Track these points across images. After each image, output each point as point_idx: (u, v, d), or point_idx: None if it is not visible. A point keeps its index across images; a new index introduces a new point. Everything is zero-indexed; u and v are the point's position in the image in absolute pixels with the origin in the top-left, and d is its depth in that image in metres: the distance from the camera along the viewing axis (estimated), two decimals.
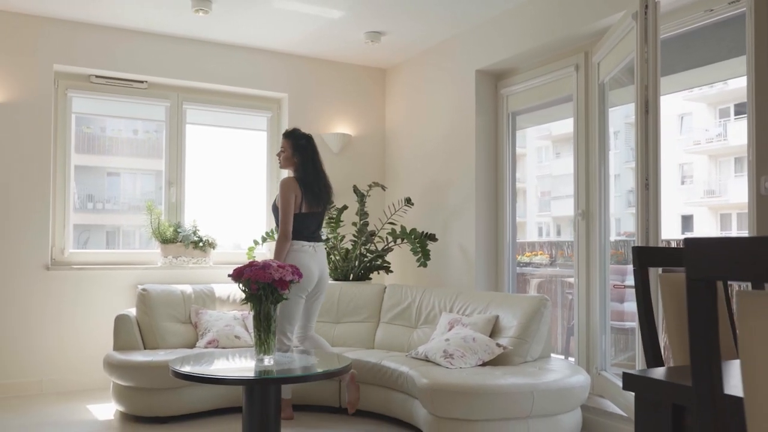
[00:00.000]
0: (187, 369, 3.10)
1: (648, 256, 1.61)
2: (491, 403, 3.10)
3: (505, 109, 4.68)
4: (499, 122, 4.73)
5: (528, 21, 4.18)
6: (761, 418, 0.88)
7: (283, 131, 4.16)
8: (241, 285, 3.19)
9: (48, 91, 4.60)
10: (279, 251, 3.80)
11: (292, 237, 3.84)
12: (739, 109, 19.47)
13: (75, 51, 4.66)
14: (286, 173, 4.14)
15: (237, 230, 5.48)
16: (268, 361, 3.19)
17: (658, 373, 1.32)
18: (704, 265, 0.84)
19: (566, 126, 4.19)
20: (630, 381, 1.25)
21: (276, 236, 3.93)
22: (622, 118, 4.76)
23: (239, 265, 3.23)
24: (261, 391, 3.15)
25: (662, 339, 1.85)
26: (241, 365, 3.37)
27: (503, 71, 4.65)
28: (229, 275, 3.25)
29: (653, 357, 1.54)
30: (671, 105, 19.87)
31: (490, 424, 3.13)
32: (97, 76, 4.84)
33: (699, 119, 20.35)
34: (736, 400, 0.96)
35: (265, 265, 3.13)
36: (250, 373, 3.14)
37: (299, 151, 3.95)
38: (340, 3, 4.25)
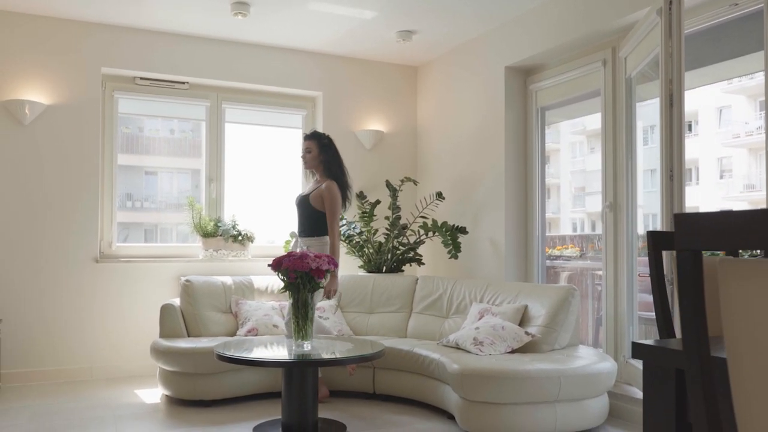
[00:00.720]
0: (231, 353, 3.29)
1: (661, 240, 1.72)
2: (519, 387, 3.22)
3: (534, 104, 4.78)
4: (528, 117, 4.83)
5: (556, 18, 4.27)
6: (742, 374, 1.00)
7: (303, 134, 4.34)
8: (279, 274, 3.37)
9: (96, 93, 4.85)
10: (337, 250, 4.01)
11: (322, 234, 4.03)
12: None
13: (121, 54, 4.90)
14: (307, 176, 4.32)
15: (273, 225, 5.68)
16: (306, 346, 3.37)
17: (670, 343, 1.43)
18: (690, 237, 0.96)
19: (600, 121, 4.25)
20: (637, 349, 1.37)
21: (311, 232, 4.06)
22: (657, 112, 4.81)
23: (278, 256, 3.41)
24: (299, 374, 3.32)
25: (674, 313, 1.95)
26: (280, 350, 3.54)
27: (532, 67, 4.74)
28: (268, 265, 3.43)
29: (665, 329, 1.65)
30: (709, 98, 19.53)
31: (518, 407, 3.25)
32: (141, 78, 5.08)
33: (738, 112, 19.94)
34: (723, 361, 1.08)
35: (302, 255, 3.30)
36: (289, 357, 3.31)
37: (325, 150, 4.11)
38: (372, 4, 4.40)
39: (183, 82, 5.21)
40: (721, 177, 20.23)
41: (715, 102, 19.79)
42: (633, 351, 1.39)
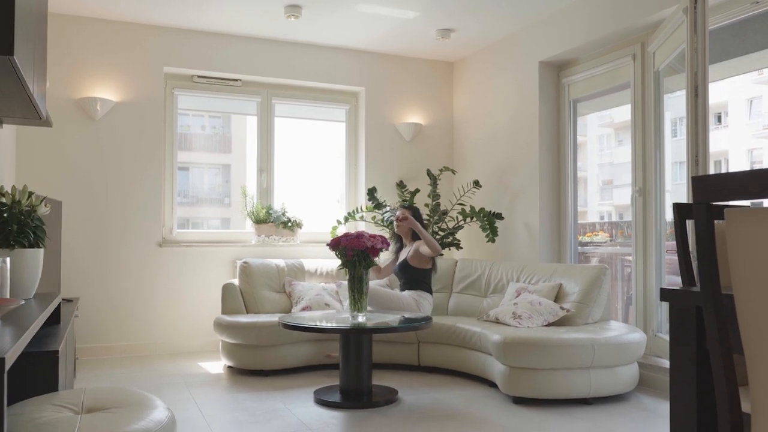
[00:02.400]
0: (296, 322, 3.67)
1: (685, 210, 2.04)
2: (557, 354, 3.54)
3: (566, 97, 5.07)
4: (560, 109, 5.12)
5: (587, 15, 4.56)
6: (746, 306, 1.32)
7: (401, 203, 5.11)
8: (337, 253, 3.73)
9: (159, 91, 5.27)
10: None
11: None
12: None
13: (181, 54, 5.31)
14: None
15: (318, 212, 6.05)
16: (361, 317, 3.73)
17: (691, 289, 1.75)
18: (705, 191, 1.29)
19: (629, 113, 4.52)
20: (665, 293, 1.70)
21: (415, 286, 4.68)
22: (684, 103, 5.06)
23: (335, 238, 3.78)
24: (355, 341, 3.69)
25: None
26: (338, 321, 3.90)
27: (565, 62, 5.03)
28: (327, 244, 3.80)
29: (687, 278, 1.97)
30: (739, 89, 19.45)
31: (555, 372, 3.57)
32: (198, 76, 5.48)
33: None
34: (731, 298, 1.40)
35: (358, 235, 3.66)
36: (347, 325, 3.67)
37: (417, 219, 4.75)
38: (415, 4, 4.73)
39: (236, 80, 5.60)
40: (752, 168, 20.15)
41: (746, 93, 19.72)
42: (661, 295, 1.71)
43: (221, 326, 4.53)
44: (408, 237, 4.79)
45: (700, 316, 1.65)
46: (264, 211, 5.55)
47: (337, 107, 6.01)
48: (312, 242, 5.71)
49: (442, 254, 4.91)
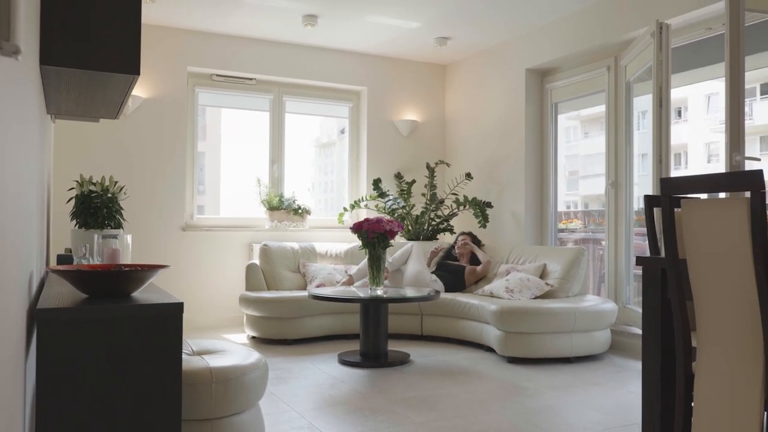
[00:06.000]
0: (324, 293, 4.29)
1: (653, 200, 2.72)
2: (545, 320, 4.24)
3: (549, 101, 5.77)
4: (544, 111, 5.82)
5: (570, 30, 5.24)
6: (695, 267, 1.99)
7: (465, 231, 5.80)
8: (359, 235, 4.36)
9: (183, 89, 5.80)
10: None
11: None
12: (765, 89, 20.07)
13: (204, 55, 5.84)
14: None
15: (324, 200, 6.66)
16: (379, 291, 4.37)
17: (658, 257, 2.44)
18: (669, 188, 1.96)
19: (596, 109, 5.19)
20: (640, 260, 2.38)
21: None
22: (649, 103, 5.79)
23: (357, 222, 4.40)
24: (374, 310, 4.33)
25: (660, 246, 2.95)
26: (359, 293, 4.51)
27: (548, 70, 5.72)
28: (350, 228, 4.42)
29: (654, 249, 2.66)
30: (698, 85, 20.46)
31: (544, 335, 4.28)
32: (217, 75, 6.02)
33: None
34: (685, 262, 2.07)
35: (378, 220, 4.29)
36: (367, 296, 4.29)
37: (476, 243, 5.63)
38: (419, 16, 5.35)
39: (251, 79, 6.15)
40: (709, 161, 21.29)
41: (704, 89, 20.79)
42: (637, 261, 2.39)
43: (247, 301, 5.12)
44: (466, 259, 5.54)
45: (664, 276, 2.33)
46: (277, 198, 6.13)
47: (342, 105, 6.60)
48: (319, 227, 6.32)
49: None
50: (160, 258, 5.70)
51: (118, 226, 3.35)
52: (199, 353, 2.62)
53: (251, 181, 6.28)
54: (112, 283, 1.84)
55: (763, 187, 1.72)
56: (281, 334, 5.00)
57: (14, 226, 1.30)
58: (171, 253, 5.74)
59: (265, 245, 5.58)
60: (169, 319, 1.79)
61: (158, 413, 1.71)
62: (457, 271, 5.42)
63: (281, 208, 6.11)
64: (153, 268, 1.93)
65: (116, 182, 3.44)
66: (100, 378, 1.62)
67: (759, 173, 1.71)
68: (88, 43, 1.96)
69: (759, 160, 3.56)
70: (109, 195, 3.39)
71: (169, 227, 5.76)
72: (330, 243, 5.96)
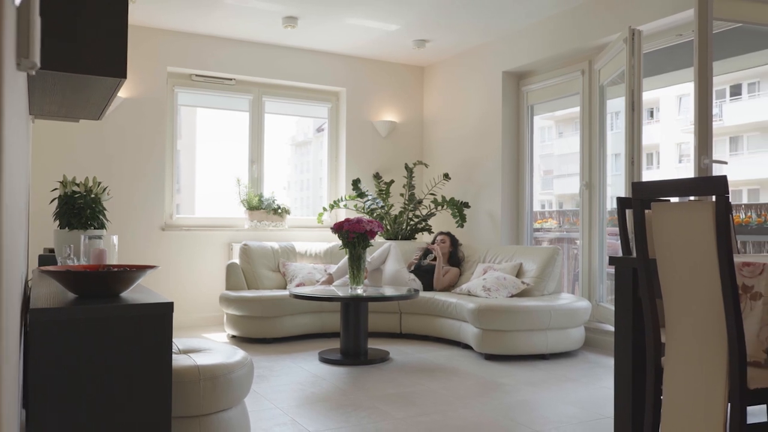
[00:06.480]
0: (304, 293, 4.35)
1: (625, 202, 2.83)
2: (521, 318, 4.35)
3: (525, 103, 5.88)
4: (520, 113, 5.93)
5: (546, 35, 5.35)
6: (664, 266, 2.10)
7: (443, 231, 5.79)
8: (339, 235, 4.42)
9: (163, 89, 5.80)
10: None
11: None
12: (734, 91, 20.57)
13: (184, 55, 5.85)
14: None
15: (303, 200, 6.70)
16: (359, 289, 4.44)
17: (630, 257, 2.54)
18: (640, 192, 2.06)
19: (571, 109, 5.32)
20: (612, 260, 2.48)
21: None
22: (622, 104, 5.94)
23: (337, 222, 4.46)
24: (354, 308, 4.40)
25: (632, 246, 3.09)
26: (339, 292, 4.58)
27: (524, 72, 5.84)
28: (331, 228, 4.48)
29: (626, 249, 2.77)
30: (671, 87, 20.86)
31: (520, 333, 4.38)
32: (197, 75, 6.03)
33: None
34: (655, 261, 2.17)
35: (358, 220, 4.36)
36: (347, 295, 4.36)
37: (454, 245, 5.65)
38: (398, 19, 5.42)
39: (230, 79, 6.17)
40: (680, 161, 21.74)
41: (676, 91, 21.22)
42: (610, 261, 2.49)
43: (227, 300, 5.15)
44: (445, 259, 5.59)
45: (635, 275, 2.43)
46: (256, 198, 6.16)
47: (321, 105, 6.65)
48: (299, 227, 6.37)
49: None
50: (140, 258, 5.70)
51: (102, 226, 3.37)
52: (186, 351, 2.66)
53: (228, 181, 6.31)
54: (102, 284, 1.89)
55: (727, 192, 1.83)
56: (262, 333, 5.04)
57: (15, 228, 1.34)
58: (151, 253, 5.74)
59: (245, 245, 5.61)
60: (159, 318, 1.84)
61: (149, 410, 1.76)
62: (428, 274, 5.53)
63: (261, 207, 6.14)
64: (142, 269, 1.98)
65: (99, 183, 3.46)
66: (92, 376, 1.67)
67: (723, 179, 1.82)
68: (74, 45, 1.95)
69: (726, 163, 3.70)
70: (92, 196, 3.40)
71: (149, 227, 5.76)
72: (309, 242, 6.02)
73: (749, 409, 2.34)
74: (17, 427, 1.50)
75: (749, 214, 6.29)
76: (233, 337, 5.25)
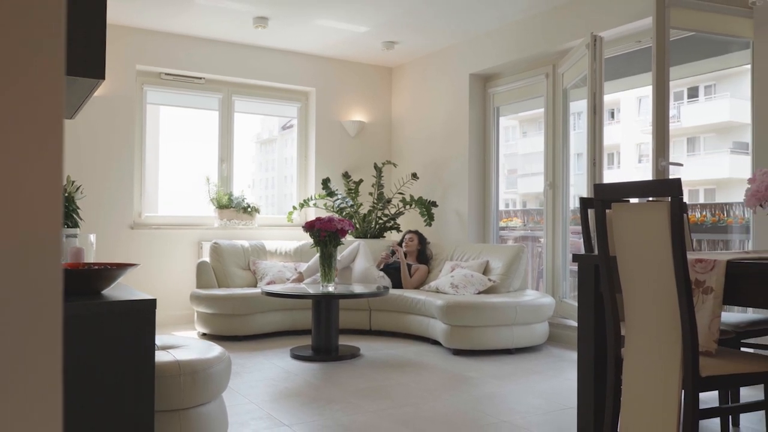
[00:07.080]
0: (276, 290, 4.40)
1: (587, 203, 2.97)
2: (488, 314, 4.48)
3: (491, 105, 6.03)
4: (486, 114, 6.08)
5: (511, 39, 5.50)
6: (623, 263, 2.23)
7: (412, 230, 5.91)
8: (311, 234, 4.49)
9: (132, 87, 5.77)
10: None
11: None
12: (692, 93, 21.20)
13: (153, 54, 5.83)
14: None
15: (272, 199, 6.74)
16: (330, 287, 4.51)
17: (592, 255, 2.68)
18: (601, 193, 2.19)
19: (535, 109, 5.47)
20: (576, 257, 2.62)
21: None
22: (584, 106, 6.12)
23: (309, 221, 4.53)
24: (326, 305, 4.47)
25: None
26: (311, 290, 4.65)
27: (491, 75, 5.98)
28: (302, 227, 4.55)
29: (588, 247, 2.91)
30: (631, 89, 21.35)
31: (487, 329, 4.52)
32: (166, 74, 6.02)
33: None
34: (615, 258, 2.31)
35: (329, 219, 4.43)
36: (318, 293, 4.44)
37: (422, 243, 5.80)
38: (367, 21, 5.51)
39: (200, 78, 6.18)
40: (640, 161, 22.31)
41: (636, 92, 21.77)
42: (573, 258, 2.63)
43: (198, 298, 5.17)
44: (413, 257, 5.72)
45: (597, 272, 2.57)
46: (226, 197, 6.18)
47: (291, 105, 6.70)
48: (268, 225, 6.41)
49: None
50: (109, 256, 5.67)
51: (75, 225, 3.38)
52: (164, 348, 2.70)
53: (195, 179, 6.31)
54: (85, 282, 1.93)
55: (681, 193, 1.97)
56: (233, 330, 5.08)
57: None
58: (120, 251, 5.72)
59: (215, 243, 5.63)
60: (143, 314, 1.89)
61: (132, 405, 1.82)
62: (397, 269, 5.65)
63: (230, 206, 6.17)
64: (123, 267, 2.03)
65: (73, 182, 3.47)
66: (77, 371, 1.72)
67: (678, 181, 1.95)
68: None
69: (681, 165, 3.90)
70: (66, 194, 3.42)
71: (118, 225, 5.73)
72: (280, 241, 6.06)
73: (702, 395, 2.50)
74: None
75: (704, 213, 6.56)
76: (204, 334, 5.27)
